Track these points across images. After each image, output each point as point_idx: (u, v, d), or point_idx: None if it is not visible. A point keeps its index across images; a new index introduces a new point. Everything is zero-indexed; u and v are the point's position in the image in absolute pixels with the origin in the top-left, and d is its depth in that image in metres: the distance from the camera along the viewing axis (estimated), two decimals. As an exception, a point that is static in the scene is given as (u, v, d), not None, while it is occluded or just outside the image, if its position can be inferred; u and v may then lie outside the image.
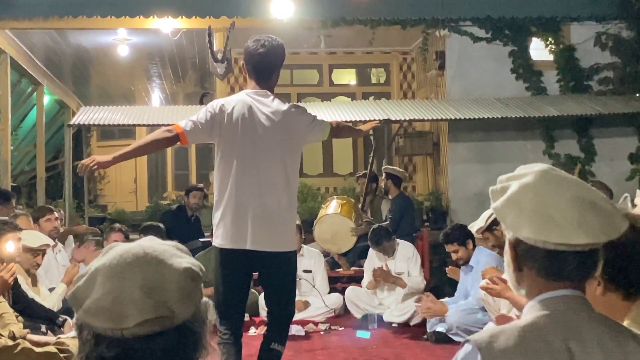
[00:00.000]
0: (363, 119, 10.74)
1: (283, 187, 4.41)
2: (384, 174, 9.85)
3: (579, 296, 1.78)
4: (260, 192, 4.34)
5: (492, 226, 6.40)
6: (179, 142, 4.41)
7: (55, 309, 5.80)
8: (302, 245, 8.63)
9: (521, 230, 1.76)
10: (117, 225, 8.06)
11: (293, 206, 4.57)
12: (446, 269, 7.56)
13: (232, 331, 4.42)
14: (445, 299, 7.35)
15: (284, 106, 4.47)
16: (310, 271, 8.46)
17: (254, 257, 4.40)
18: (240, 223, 4.34)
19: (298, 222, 8.66)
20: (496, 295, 5.03)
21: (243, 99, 4.44)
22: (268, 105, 4.43)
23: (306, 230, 9.04)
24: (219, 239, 4.43)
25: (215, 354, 1.58)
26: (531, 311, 1.77)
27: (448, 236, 7.11)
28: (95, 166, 4.28)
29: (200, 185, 11.00)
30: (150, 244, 1.57)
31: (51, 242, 6.41)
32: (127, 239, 7.59)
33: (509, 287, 4.65)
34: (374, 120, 5.53)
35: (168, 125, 4.62)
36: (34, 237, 5.93)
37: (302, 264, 8.37)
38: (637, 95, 11.10)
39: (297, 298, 5.12)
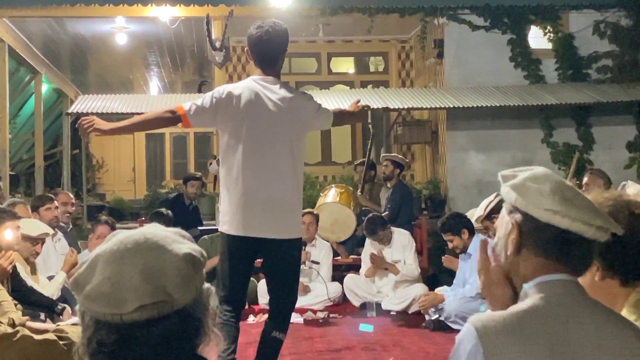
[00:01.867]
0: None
1: (290, 173, 4.42)
2: (389, 161, 9.82)
3: (575, 281, 1.79)
4: (267, 179, 4.34)
5: (492, 215, 6.41)
6: (181, 125, 4.39)
7: (54, 298, 5.81)
8: (316, 236, 8.62)
9: (543, 203, 1.78)
10: (104, 217, 8.08)
11: (299, 193, 4.57)
12: (442, 258, 7.59)
13: (234, 314, 4.44)
14: (444, 287, 7.37)
15: (291, 93, 4.46)
16: (318, 263, 8.47)
17: (260, 244, 4.41)
18: (247, 210, 4.34)
19: (315, 211, 8.66)
20: None
21: (250, 85, 4.43)
22: (275, 92, 4.41)
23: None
24: (225, 226, 4.43)
25: (217, 340, 1.58)
26: (529, 294, 1.78)
27: (444, 225, 7.14)
28: (91, 129, 4.31)
29: (199, 174, 11.01)
30: (151, 230, 1.58)
31: (51, 230, 6.41)
32: (113, 229, 7.62)
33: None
34: (366, 105, 5.43)
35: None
36: (34, 226, 5.93)
37: (313, 254, 8.37)
38: (635, 83, 11.10)
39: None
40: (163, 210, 8.47)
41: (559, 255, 1.79)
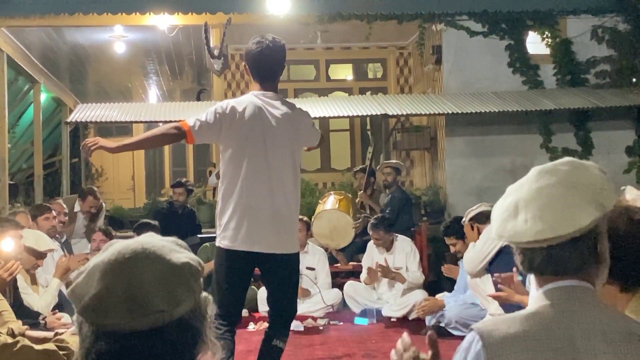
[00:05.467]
0: (360, 114, 10.80)
1: (292, 188, 4.42)
2: (390, 168, 9.83)
3: (584, 287, 1.77)
4: (272, 194, 4.34)
5: (473, 222, 6.43)
6: (184, 140, 4.37)
7: (52, 304, 5.83)
8: (308, 242, 8.61)
9: (492, 227, 1.82)
10: (102, 227, 8.16)
11: (298, 207, 4.58)
12: (442, 268, 7.57)
13: (230, 328, 4.43)
14: (444, 294, 7.36)
15: (291, 109, 4.49)
16: (313, 269, 8.45)
17: (261, 259, 4.40)
18: (250, 225, 4.32)
19: (305, 218, 8.67)
20: (505, 300, 5.08)
21: (253, 100, 4.42)
22: (277, 107, 4.42)
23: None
24: (226, 241, 4.38)
25: (215, 349, 1.58)
26: (535, 301, 1.78)
27: (447, 229, 7.12)
28: (96, 147, 4.27)
29: (184, 180, 10.95)
30: (149, 239, 1.57)
31: (55, 245, 6.41)
32: (107, 236, 7.63)
33: (514, 292, 4.76)
34: None
35: (165, 122, 4.62)
36: (41, 240, 5.92)
37: (305, 260, 8.34)
38: (633, 88, 11.11)
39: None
40: (148, 221, 8.48)
41: (528, 271, 1.82)
